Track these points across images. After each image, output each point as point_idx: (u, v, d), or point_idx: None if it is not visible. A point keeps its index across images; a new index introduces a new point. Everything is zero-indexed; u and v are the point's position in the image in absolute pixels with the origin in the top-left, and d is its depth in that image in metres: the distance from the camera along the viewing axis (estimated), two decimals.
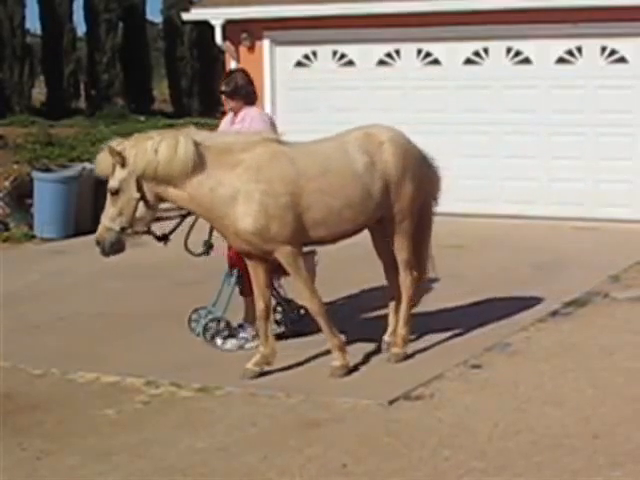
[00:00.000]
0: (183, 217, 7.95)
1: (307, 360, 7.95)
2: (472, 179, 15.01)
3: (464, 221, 14.38)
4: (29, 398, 7.33)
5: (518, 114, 14.76)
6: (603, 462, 5.89)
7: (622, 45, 14.20)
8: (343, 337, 7.71)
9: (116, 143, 7.35)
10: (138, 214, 7.37)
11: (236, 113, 8.48)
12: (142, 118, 28.26)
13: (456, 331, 8.59)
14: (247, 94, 8.47)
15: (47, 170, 14.84)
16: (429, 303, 9.50)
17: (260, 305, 7.68)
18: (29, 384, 7.67)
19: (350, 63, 15.83)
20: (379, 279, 8.52)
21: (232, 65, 16.27)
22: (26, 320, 9.48)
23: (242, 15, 15.91)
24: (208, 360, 7.95)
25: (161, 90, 35.62)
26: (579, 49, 14.46)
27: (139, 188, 7.29)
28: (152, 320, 9.35)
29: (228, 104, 8.52)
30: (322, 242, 7.90)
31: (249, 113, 8.43)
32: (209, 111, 29.94)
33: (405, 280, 7.98)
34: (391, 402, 6.96)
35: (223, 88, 8.53)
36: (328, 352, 7.89)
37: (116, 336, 8.86)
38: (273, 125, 8.50)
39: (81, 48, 33.37)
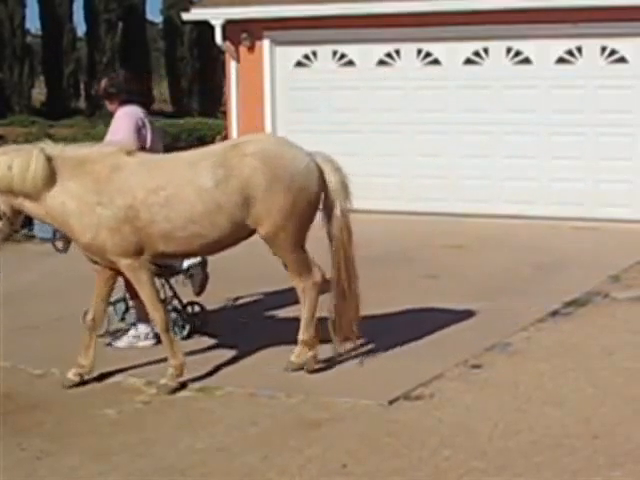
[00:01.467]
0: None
1: None
2: (472, 179, 15.03)
3: (464, 221, 14.40)
4: (29, 398, 7.32)
5: (518, 114, 14.77)
6: (603, 462, 5.89)
7: (622, 45, 14.21)
8: (184, 359, 7.44)
9: None
10: None
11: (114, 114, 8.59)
12: None
13: (456, 331, 8.58)
14: (113, 95, 8.47)
15: None
16: (429, 303, 9.52)
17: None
18: (29, 384, 7.66)
19: (350, 63, 15.84)
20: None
21: (232, 65, 16.30)
22: (26, 320, 9.47)
23: (242, 15, 15.92)
24: (208, 360, 7.94)
25: (161, 90, 35.60)
26: (579, 49, 14.47)
27: None
28: None
29: (106, 106, 8.67)
30: (181, 256, 7.85)
31: (115, 116, 8.47)
32: (209, 111, 29.93)
33: (299, 286, 7.60)
34: (391, 402, 6.96)
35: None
36: (328, 352, 7.89)
37: None
38: (138, 126, 8.34)
39: (81, 48, 33.36)
